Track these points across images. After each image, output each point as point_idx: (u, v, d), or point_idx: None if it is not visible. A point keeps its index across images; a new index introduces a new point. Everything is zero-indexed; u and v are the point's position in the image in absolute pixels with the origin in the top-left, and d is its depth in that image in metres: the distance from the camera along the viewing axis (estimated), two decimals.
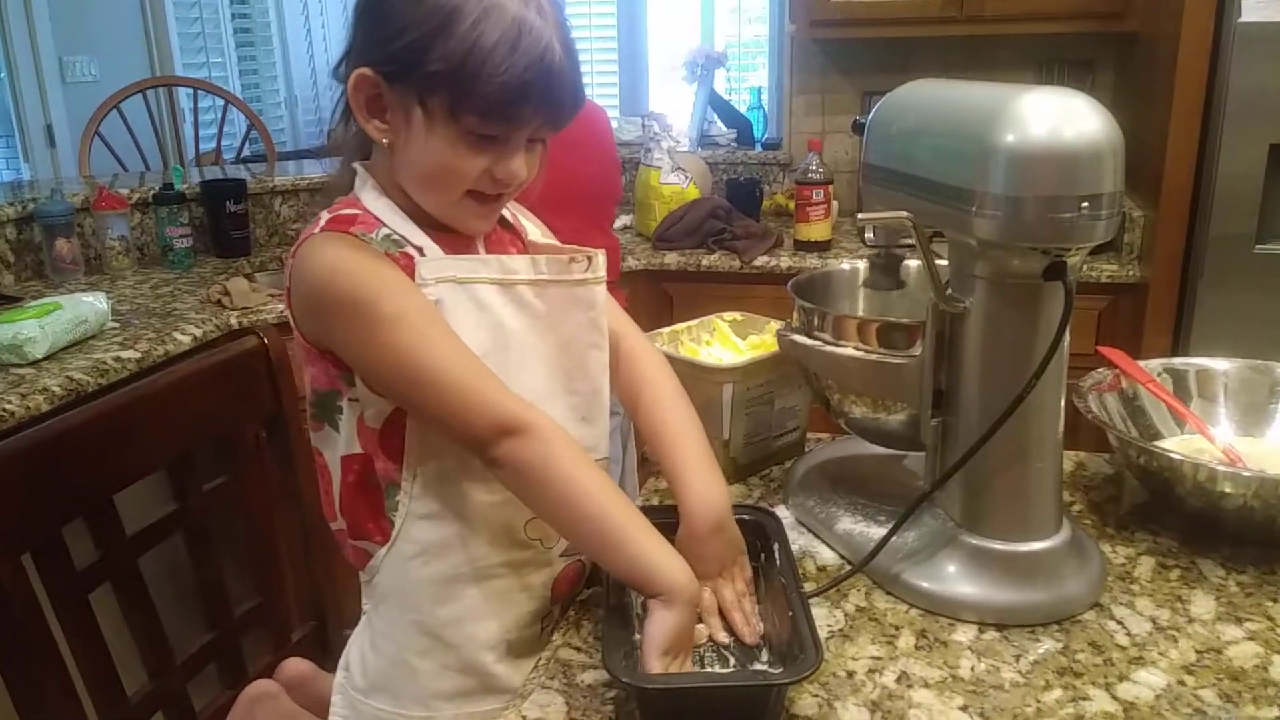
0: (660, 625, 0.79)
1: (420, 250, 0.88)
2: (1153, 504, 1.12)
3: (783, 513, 1.12)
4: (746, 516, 0.96)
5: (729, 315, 1.35)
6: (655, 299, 2.51)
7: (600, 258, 0.96)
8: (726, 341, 1.32)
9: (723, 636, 0.87)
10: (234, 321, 2.00)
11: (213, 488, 1.23)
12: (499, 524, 0.92)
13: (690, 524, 0.89)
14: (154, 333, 1.86)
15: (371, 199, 0.91)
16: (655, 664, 0.78)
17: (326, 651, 1.33)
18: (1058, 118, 0.83)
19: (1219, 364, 1.20)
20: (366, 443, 0.91)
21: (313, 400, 0.94)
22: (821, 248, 2.47)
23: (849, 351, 1.00)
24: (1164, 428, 1.19)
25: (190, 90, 3.73)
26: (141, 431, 1.11)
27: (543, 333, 0.93)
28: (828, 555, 1.04)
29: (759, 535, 0.95)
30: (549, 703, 0.82)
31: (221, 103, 3.67)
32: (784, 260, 2.42)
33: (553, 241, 1.03)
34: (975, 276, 0.90)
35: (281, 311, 2.05)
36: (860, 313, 1.17)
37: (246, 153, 3.83)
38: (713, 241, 2.50)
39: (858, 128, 2.51)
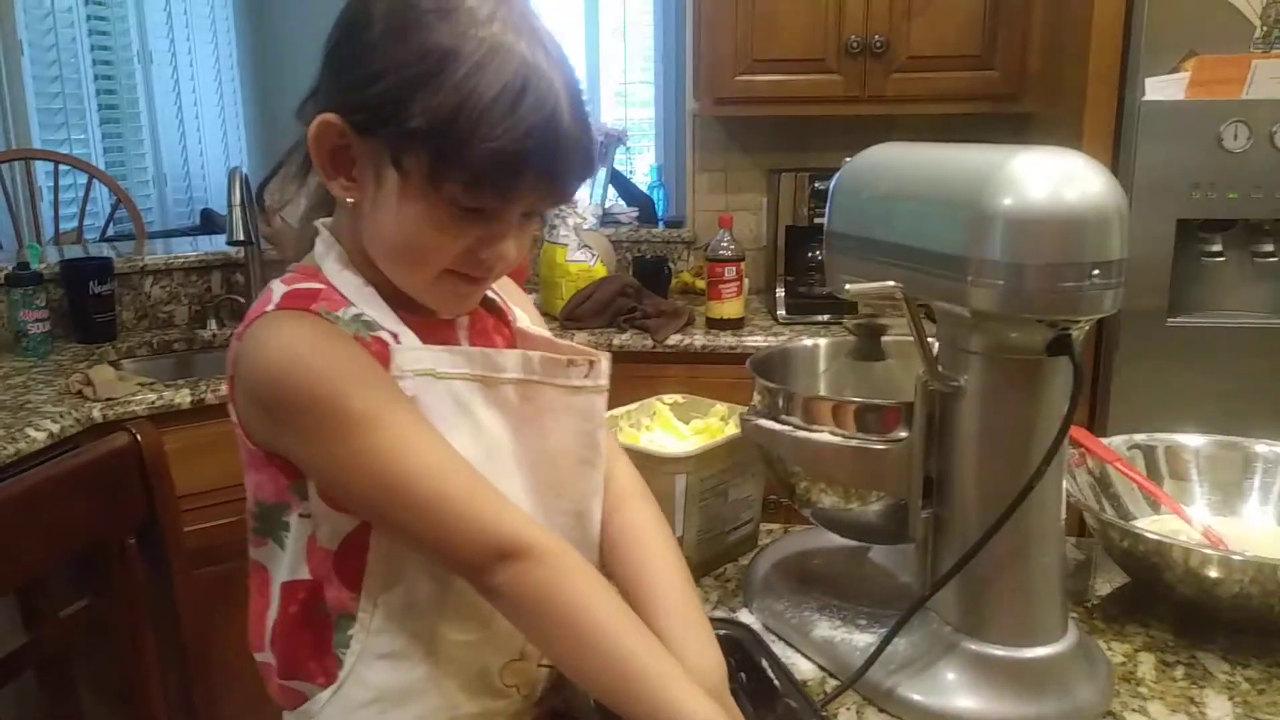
0: None
1: (395, 337, 0.74)
2: (1134, 591, 1.05)
3: (746, 618, 1.00)
4: (720, 631, 0.83)
5: (669, 397, 1.24)
6: None
7: (604, 363, 0.82)
8: (668, 426, 1.20)
9: None
10: (98, 414, 1.78)
11: (72, 613, 1.03)
12: (472, 668, 0.77)
13: None
14: (2, 429, 1.64)
15: (335, 271, 0.76)
16: None
17: None
18: (1058, 178, 0.76)
19: (1187, 440, 1.15)
20: (317, 566, 0.75)
21: (255, 513, 0.78)
22: (735, 325, 2.39)
23: (825, 437, 0.90)
24: (1134, 508, 1.12)
25: (50, 166, 3.46)
26: None
27: (526, 439, 0.79)
28: (806, 667, 0.92)
29: (736, 651, 0.83)
30: None
31: (85, 179, 3.42)
32: (697, 339, 2.34)
33: (544, 331, 0.90)
34: (970, 352, 0.82)
35: (155, 401, 1.84)
36: (823, 392, 1.08)
37: (111, 232, 3.57)
38: (623, 320, 2.40)
39: (817, 194, 2.48)
